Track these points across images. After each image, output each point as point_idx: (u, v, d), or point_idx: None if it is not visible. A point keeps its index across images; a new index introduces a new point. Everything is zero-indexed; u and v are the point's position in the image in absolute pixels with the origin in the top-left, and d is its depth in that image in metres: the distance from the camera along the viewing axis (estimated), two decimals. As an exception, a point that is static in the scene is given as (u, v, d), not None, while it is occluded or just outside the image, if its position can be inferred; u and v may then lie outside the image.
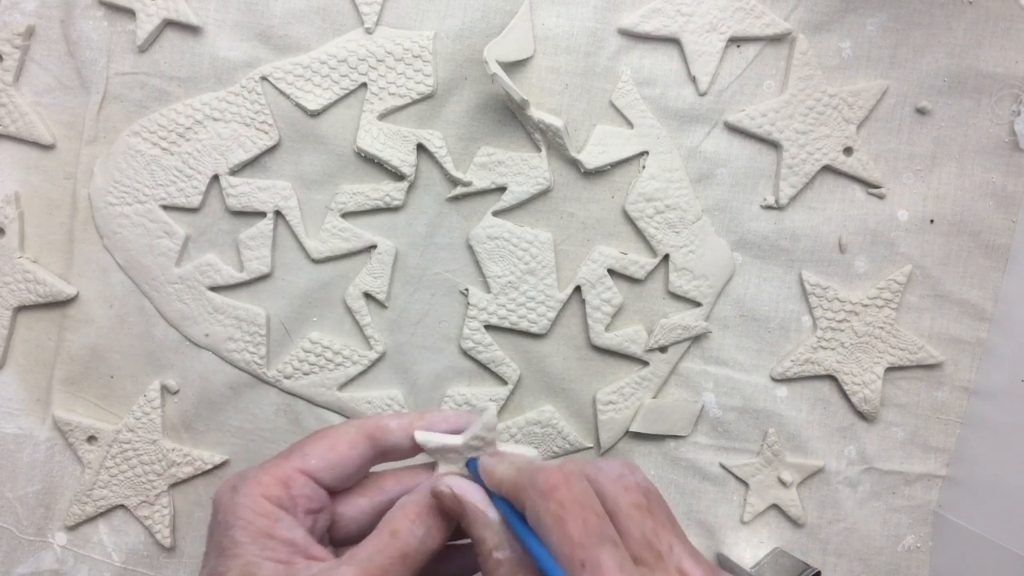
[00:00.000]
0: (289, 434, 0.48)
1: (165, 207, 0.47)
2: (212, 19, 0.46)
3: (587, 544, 0.24)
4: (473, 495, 0.29)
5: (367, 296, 0.47)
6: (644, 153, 0.46)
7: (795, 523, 0.47)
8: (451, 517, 0.30)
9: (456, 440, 0.31)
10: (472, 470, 0.31)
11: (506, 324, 0.47)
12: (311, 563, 0.28)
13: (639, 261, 0.46)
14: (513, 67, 0.45)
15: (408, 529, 0.29)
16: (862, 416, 0.47)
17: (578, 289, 0.47)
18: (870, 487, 0.48)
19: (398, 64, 0.45)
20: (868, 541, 0.48)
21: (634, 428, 0.47)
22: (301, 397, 0.48)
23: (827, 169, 0.46)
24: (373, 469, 0.33)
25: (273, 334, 0.48)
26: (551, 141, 0.46)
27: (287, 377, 0.48)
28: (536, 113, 0.44)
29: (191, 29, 0.46)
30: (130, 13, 0.46)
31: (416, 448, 0.32)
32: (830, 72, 0.46)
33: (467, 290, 0.47)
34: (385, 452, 0.32)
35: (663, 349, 0.47)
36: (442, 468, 0.32)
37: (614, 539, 0.25)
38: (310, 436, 0.32)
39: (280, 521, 0.29)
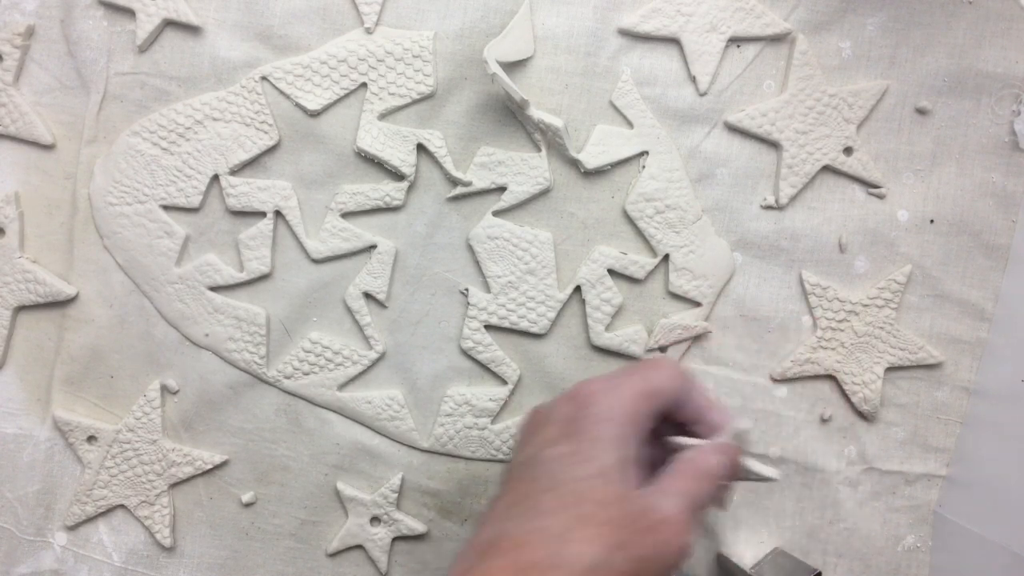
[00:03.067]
0: (289, 434, 0.48)
1: (165, 207, 0.47)
2: (212, 19, 0.46)
3: None
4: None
5: (367, 296, 0.47)
6: (644, 153, 0.46)
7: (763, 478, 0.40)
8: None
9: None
10: None
11: (506, 324, 0.47)
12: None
13: (639, 261, 0.46)
14: (513, 67, 0.45)
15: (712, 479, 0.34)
16: (862, 416, 0.47)
17: (578, 289, 0.47)
18: (870, 487, 0.48)
19: (398, 64, 0.45)
20: (868, 541, 0.48)
21: (634, 428, 0.47)
22: (301, 397, 0.48)
23: (827, 169, 0.46)
24: None
25: (273, 334, 0.48)
26: (551, 141, 0.46)
27: (287, 377, 0.48)
28: (536, 113, 0.44)
29: (191, 29, 0.46)
30: (130, 13, 0.46)
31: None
32: (830, 72, 0.46)
33: (467, 290, 0.47)
34: (669, 411, 0.36)
35: (663, 349, 0.47)
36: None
37: None
38: (638, 366, 0.36)
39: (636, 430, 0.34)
